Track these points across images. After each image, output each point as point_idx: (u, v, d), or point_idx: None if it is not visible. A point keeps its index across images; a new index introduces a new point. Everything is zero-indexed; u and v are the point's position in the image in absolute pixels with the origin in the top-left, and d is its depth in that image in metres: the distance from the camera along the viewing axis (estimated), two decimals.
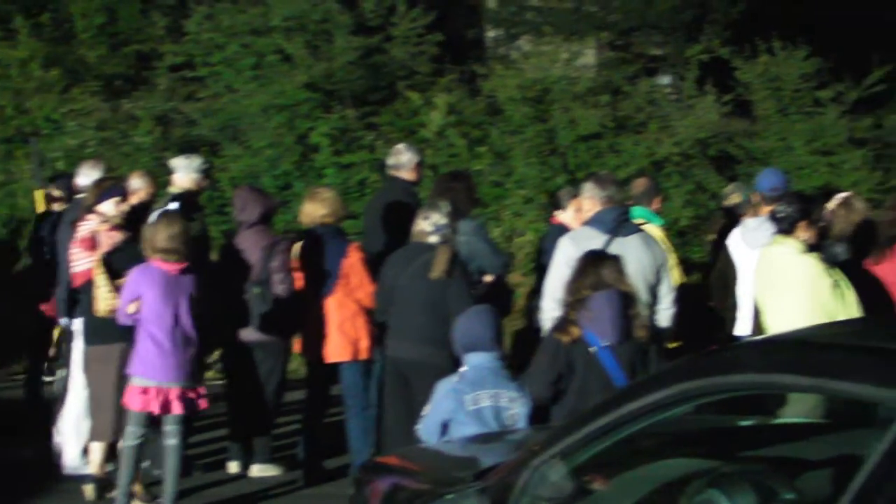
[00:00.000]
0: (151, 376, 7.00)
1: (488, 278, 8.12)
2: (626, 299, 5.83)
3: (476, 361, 5.82)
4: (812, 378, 2.77)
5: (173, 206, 8.09)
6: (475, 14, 19.56)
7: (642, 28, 18.70)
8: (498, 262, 8.20)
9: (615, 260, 6.01)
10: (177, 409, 7.02)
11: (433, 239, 7.26)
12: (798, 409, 4.93)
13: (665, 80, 16.34)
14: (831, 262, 7.07)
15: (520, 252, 11.88)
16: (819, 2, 17.95)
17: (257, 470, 8.20)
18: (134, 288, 7.05)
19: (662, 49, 18.56)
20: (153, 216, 7.61)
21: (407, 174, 8.83)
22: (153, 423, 7.13)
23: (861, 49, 14.21)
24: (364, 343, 7.89)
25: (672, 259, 7.51)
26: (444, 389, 5.79)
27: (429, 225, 7.28)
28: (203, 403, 7.23)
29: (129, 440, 7.04)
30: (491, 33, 19.55)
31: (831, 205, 7.98)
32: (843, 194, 8.22)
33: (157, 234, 7.05)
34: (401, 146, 9.24)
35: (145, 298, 7.01)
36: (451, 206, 7.61)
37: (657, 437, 4.10)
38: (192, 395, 7.15)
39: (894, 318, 4.98)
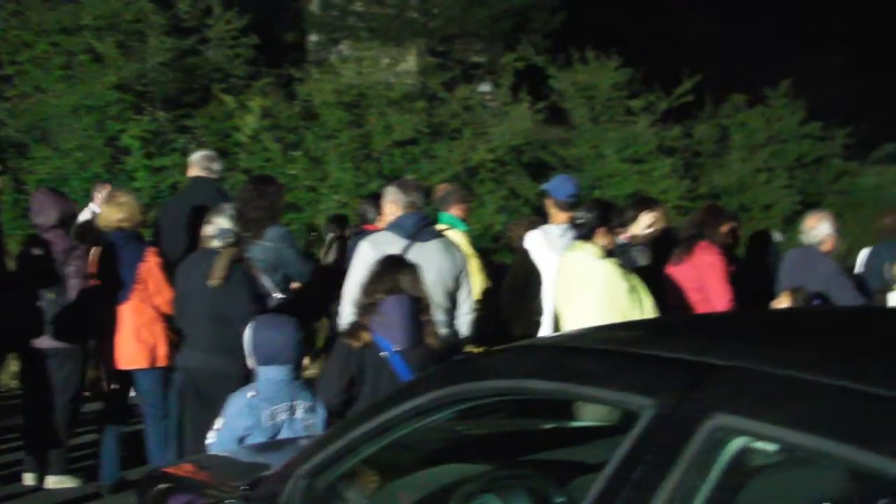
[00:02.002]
0: None
1: (295, 285, 8.06)
2: (418, 304, 5.80)
3: (271, 374, 5.66)
4: (559, 383, 2.77)
5: None
6: (299, 18, 19.49)
7: (463, 36, 18.90)
8: (305, 269, 8.13)
9: (410, 265, 5.98)
10: None
11: (216, 244, 7.09)
12: (591, 413, 4.99)
13: (484, 87, 16.48)
14: (630, 266, 7.19)
15: None
16: (632, 15, 18.40)
17: (53, 482, 7.94)
18: None
19: (482, 57, 18.78)
20: None
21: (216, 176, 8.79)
22: None
23: (671, 61, 14.60)
24: (161, 350, 7.71)
25: (474, 264, 7.53)
26: (238, 405, 5.61)
27: (212, 229, 7.11)
28: None
29: None
30: (314, 37, 19.49)
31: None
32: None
33: None
34: (213, 153, 9.14)
35: None
36: (247, 211, 7.52)
37: (434, 442, 4.08)
38: None
39: (668, 320, 5.05)
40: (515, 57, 14.26)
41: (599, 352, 2.84)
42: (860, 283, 8.89)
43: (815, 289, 7.85)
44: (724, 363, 2.44)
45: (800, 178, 15.33)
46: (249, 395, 5.61)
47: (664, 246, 8.26)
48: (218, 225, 7.08)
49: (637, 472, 2.37)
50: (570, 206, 7.67)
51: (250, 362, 5.80)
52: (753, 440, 2.35)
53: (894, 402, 2.15)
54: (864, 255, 9.57)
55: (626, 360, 2.69)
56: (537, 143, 13.82)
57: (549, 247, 7.68)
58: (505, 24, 19.15)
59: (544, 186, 8.26)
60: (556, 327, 6.95)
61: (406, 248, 6.65)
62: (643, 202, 9.08)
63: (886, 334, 2.80)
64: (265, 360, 5.68)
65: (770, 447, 2.48)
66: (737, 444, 2.32)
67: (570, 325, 6.62)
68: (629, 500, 2.35)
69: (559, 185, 8.01)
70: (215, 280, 6.88)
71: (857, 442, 2.12)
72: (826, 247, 8.31)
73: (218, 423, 5.70)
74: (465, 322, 6.91)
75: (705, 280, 7.89)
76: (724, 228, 8.28)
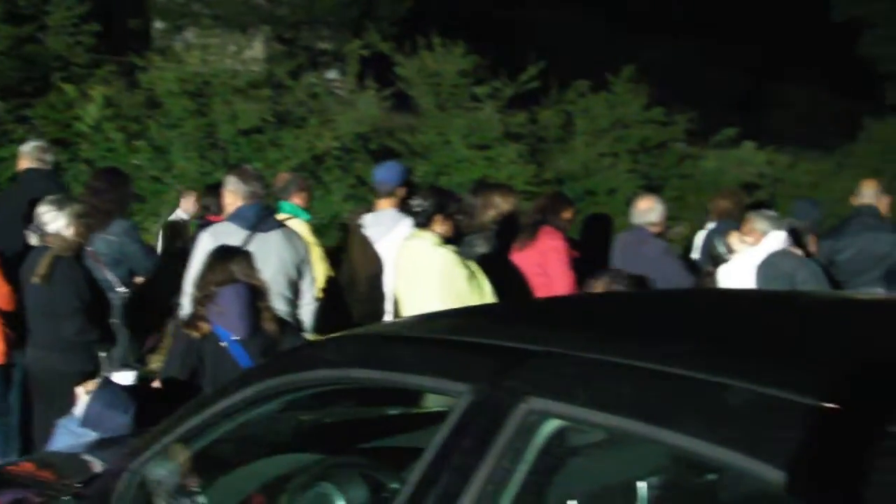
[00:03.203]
0: None
1: (139, 280, 7.96)
2: (255, 293, 5.80)
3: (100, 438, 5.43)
4: (382, 371, 2.82)
5: None
6: (142, 4, 19.16)
7: (310, 22, 18.81)
8: (149, 264, 8.05)
9: (245, 254, 5.97)
10: None
11: (34, 240, 6.95)
12: (435, 399, 5.05)
13: (332, 74, 16.44)
14: (470, 254, 7.28)
15: None
16: (478, 2, 18.55)
17: None
18: None
19: (329, 44, 18.72)
20: None
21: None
22: None
23: (516, 47, 14.77)
24: None
25: (316, 253, 7.55)
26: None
27: (34, 226, 6.97)
28: None
29: None
30: (158, 24, 19.18)
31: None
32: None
33: None
34: (46, 144, 8.96)
35: None
36: (98, 203, 7.40)
37: (273, 432, 4.10)
38: None
39: (488, 307, 5.14)
40: (361, 44, 14.22)
41: (420, 340, 2.90)
42: (693, 264, 9.14)
43: (644, 270, 8.05)
44: (536, 348, 2.52)
45: (643, 162, 15.63)
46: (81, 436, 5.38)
47: (509, 232, 8.38)
48: (37, 218, 6.92)
49: (455, 457, 2.43)
50: (392, 192, 7.81)
51: (78, 423, 5.47)
52: (566, 422, 2.43)
53: (698, 382, 2.23)
54: (701, 236, 9.80)
55: (445, 348, 2.75)
56: (384, 131, 13.85)
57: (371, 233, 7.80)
58: (352, 10, 19.12)
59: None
60: (397, 315, 7.01)
61: (247, 239, 6.63)
62: (484, 188, 9.17)
63: (695, 316, 2.91)
64: (91, 429, 5.37)
65: (584, 429, 2.57)
66: (550, 426, 2.39)
67: (411, 312, 6.67)
68: (447, 484, 2.40)
69: (382, 172, 8.12)
70: (37, 277, 6.72)
71: (662, 422, 2.20)
72: (656, 229, 8.55)
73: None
74: (307, 312, 6.93)
75: (548, 265, 8.02)
76: (567, 214, 8.43)
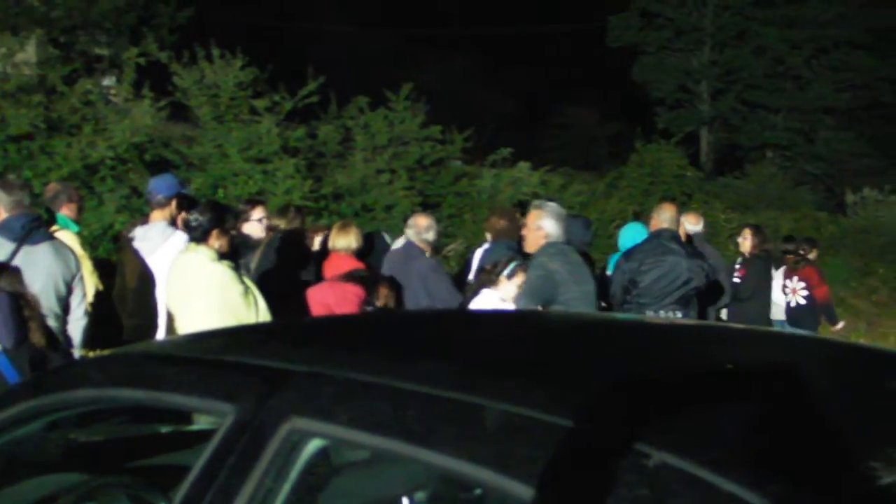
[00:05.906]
0: None
1: None
2: (20, 302, 5.65)
3: None
4: (147, 391, 2.81)
5: None
6: None
7: (86, 27, 18.39)
8: None
9: (9, 267, 5.83)
10: None
11: None
12: (207, 417, 5.00)
13: (108, 81, 16.06)
14: (246, 269, 7.26)
15: None
16: (260, 14, 18.47)
17: None
18: None
19: (106, 49, 18.33)
20: None
21: None
22: None
23: (297, 61, 14.77)
24: None
25: (87, 266, 7.39)
26: None
27: None
28: None
29: None
30: None
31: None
32: None
33: None
34: None
35: None
36: None
37: (37, 453, 4.01)
38: None
39: (256, 327, 5.14)
40: (138, 51, 13.92)
41: (185, 359, 2.91)
42: (464, 282, 9.32)
43: (413, 285, 8.20)
44: (300, 368, 2.57)
45: (420, 179, 15.82)
46: None
47: (287, 249, 8.40)
48: None
49: (220, 477, 2.45)
50: (164, 205, 7.77)
51: None
52: (329, 442, 2.49)
53: (452, 402, 2.32)
54: (478, 254, 9.96)
55: (210, 368, 2.77)
56: (160, 141, 13.61)
57: (139, 246, 7.72)
58: (130, 17, 18.79)
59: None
60: (171, 330, 6.93)
61: (14, 252, 6.46)
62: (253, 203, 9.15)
63: (455, 338, 3.01)
64: None
65: (347, 448, 2.63)
66: (313, 445, 2.45)
67: (185, 328, 6.60)
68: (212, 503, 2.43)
69: (154, 184, 8.07)
70: None
71: (421, 441, 2.28)
72: (427, 246, 8.72)
73: None
74: (77, 327, 6.77)
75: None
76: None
